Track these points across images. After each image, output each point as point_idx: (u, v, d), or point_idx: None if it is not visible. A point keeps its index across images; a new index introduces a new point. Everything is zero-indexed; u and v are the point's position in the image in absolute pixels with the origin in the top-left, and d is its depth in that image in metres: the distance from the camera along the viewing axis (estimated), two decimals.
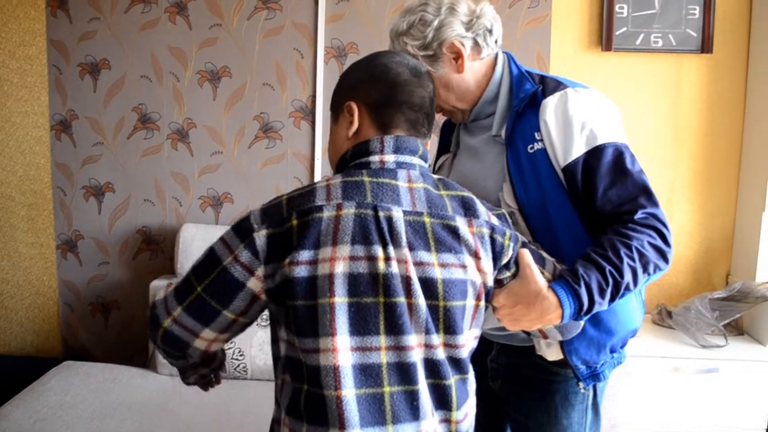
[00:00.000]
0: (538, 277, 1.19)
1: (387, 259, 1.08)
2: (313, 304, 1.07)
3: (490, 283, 1.17)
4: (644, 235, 1.24)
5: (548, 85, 1.40)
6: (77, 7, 2.78)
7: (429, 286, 1.10)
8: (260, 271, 1.12)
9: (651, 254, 1.24)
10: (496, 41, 1.45)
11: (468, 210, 1.17)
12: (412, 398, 1.09)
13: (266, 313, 1.20)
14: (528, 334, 1.36)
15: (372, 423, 1.06)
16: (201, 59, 2.80)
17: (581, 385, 1.43)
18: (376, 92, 1.19)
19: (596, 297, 1.20)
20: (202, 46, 2.79)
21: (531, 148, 1.36)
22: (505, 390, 1.56)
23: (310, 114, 2.81)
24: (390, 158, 1.17)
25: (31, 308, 2.96)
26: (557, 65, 2.71)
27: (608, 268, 1.21)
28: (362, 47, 2.74)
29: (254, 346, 2.56)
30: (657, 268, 1.26)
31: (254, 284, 1.12)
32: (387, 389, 1.08)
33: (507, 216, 1.25)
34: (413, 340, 1.09)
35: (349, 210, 1.09)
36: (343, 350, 1.06)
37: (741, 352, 2.45)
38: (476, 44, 1.42)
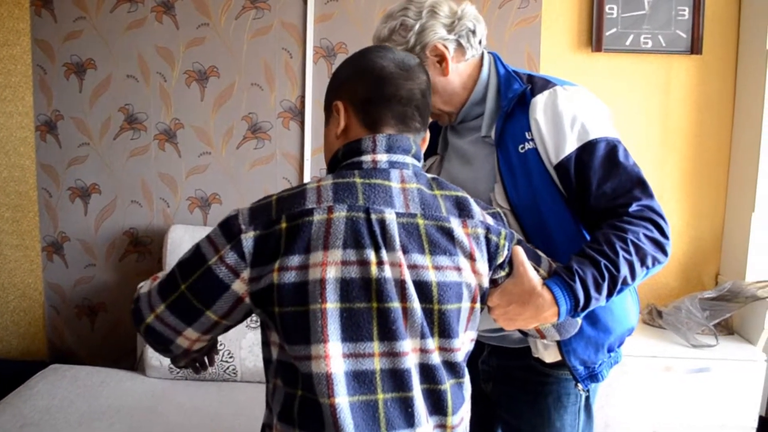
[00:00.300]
0: (531, 274, 1.17)
1: (380, 263, 1.06)
2: (304, 310, 1.04)
3: (486, 284, 1.16)
4: (640, 228, 1.22)
5: (537, 84, 1.39)
6: (62, 7, 2.75)
7: (423, 289, 1.08)
8: (246, 274, 1.09)
9: (648, 247, 1.21)
10: (480, 42, 1.43)
11: (462, 210, 1.15)
12: (407, 405, 1.07)
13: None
14: (525, 334, 1.33)
15: (366, 431, 1.04)
16: (188, 59, 2.77)
17: (579, 386, 1.42)
18: (362, 89, 1.17)
19: (592, 292, 1.18)
20: (190, 45, 2.76)
21: (522, 148, 1.35)
22: (496, 392, 1.55)
23: (299, 114, 2.79)
24: (382, 158, 1.14)
25: (17, 311, 2.92)
26: (547, 66, 2.70)
27: (603, 262, 1.18)
28: (351, 47, 2.72)
29: (244, 348, 2.54)
30: (656, 260, 1.23)
31: (239, 287, 1.09)
32: (381, 396, 1.06)
33: (502, 215, 1.23)
34: (407, 345, 1.07)
35: (341, 213, 1.07)
36: (335, 357, 1.04)
37: (731, 352, 2.46)
38: (460, 46, 1.40)
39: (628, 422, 2.44)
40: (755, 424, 2.44)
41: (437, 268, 1.09)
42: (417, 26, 1.37)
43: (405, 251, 1.08)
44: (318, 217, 1.07)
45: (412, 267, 1.08)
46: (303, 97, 2.77)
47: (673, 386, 2.42)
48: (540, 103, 1.35)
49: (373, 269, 1.05)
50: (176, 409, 2.33)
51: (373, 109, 1.16)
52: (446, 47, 1.38)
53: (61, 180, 2.84)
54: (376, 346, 1.06)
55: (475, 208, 1.17)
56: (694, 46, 2.64)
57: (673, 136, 2.74)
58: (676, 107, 2.73)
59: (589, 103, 1.37)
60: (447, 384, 1.11)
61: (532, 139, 1.34)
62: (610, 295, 1.20)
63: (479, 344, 1.54)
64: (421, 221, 1.10)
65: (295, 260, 1.05)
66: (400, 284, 1.06)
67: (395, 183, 1.12)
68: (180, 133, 2.81)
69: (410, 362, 1.07)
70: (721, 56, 2.69)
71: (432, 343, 1.09)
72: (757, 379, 2.41)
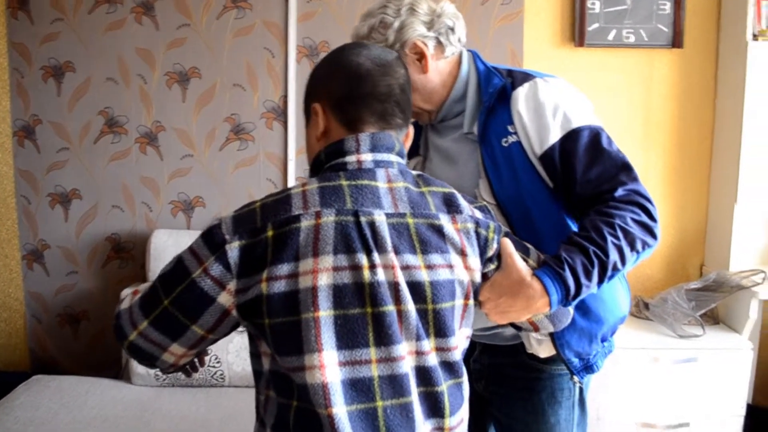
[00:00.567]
0: (520, 265, 1.15)
1: (372, 267, 1.03)
2: (296, 320, 1.01)
3: (478, 279, 1.14)
4: (627, 212, 1.21)
5: (516, 78, 1.39)
6: (39, 8, 2.69)
7: (417, 289, 1.06)
8: (232, 286, 1.05)
9: (636, 231, 1.20)
10: (459, 39, 1.43)
11: (451, 206, 1.13)
12: (407, 411, 1.04)
13: None
14: (519, 329, 1.32)
15: None
16: (169, 60, 2.73)
17: (575, 378, 1.42)
18: (339, 88, 1.14)
19: (582, 280, 1.16)
20: (170, 46, 2.73)
21: (505, 142, 1.35)
22: (489, 391, 1.54)
23: (283, 114, 2.76)
24: (367, 157, 1.11)
25: None
26: (531, 62, 2.71)
27: (592, 248, 1.17)
28: (335, 46, 2.64)
29: (231, 352, 2.51)
30: (645, 244, 1.22)
31: (225, 299, 1.05)
32: (380, 403, 1.03)
33: (489, 208, 1.22)
34: (404, 349, 1.05)
35: (329, 218, 1.04)
36: (330, 366, 1.00)
37: (718, 341, 2.49)
38: (439, 43, 1.40)
39: (618, 414, 2.46)
40: (743, 411, 2.47)
41: (429, 267, 1.07)
42: (396, 23, 1.37)
43: (397, 252, 1.05)
44: (306, 223, 1.03)
45: (405, 268, 1.05)
46: (286, 97, 2.75)
47: (662, 377, 2.44)
48: (521, 95, 1.35)
49: (366, 273, 1.03)
50: (164, 416, 2.30)
51: (351, 108, 1.14)
52: (426, 44, 1.38)
53: (41, 186, 2.78)
54: (372, 353, 1.03)
55: (463, 203, 1.15)
56: (676, 40, 2.66)
57: (655, 130, 2.76)
58: (658, 101, 2.75)
59: (570, 93, 1.38)
60: (444, 385, 1.08)
61: (515, 132, 1.34)
62: (601, 281, 1.20)
63: (470, 343, 1.52)
64: (411, 220, 1.08)
65: (284, 269, 1.02)
66: (394, 286, 1.04)
67: (382, 183, 1.10)
68: (161, 135, 2.77)
69: (407, 366, 1.05)
70: (703, 49, 2.72)
71: (428, 345, 1.07)
72: (743, 367, 2.44)
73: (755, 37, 2.51)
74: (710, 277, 2.56)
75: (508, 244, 1.16)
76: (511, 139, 1.34)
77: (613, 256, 1.18)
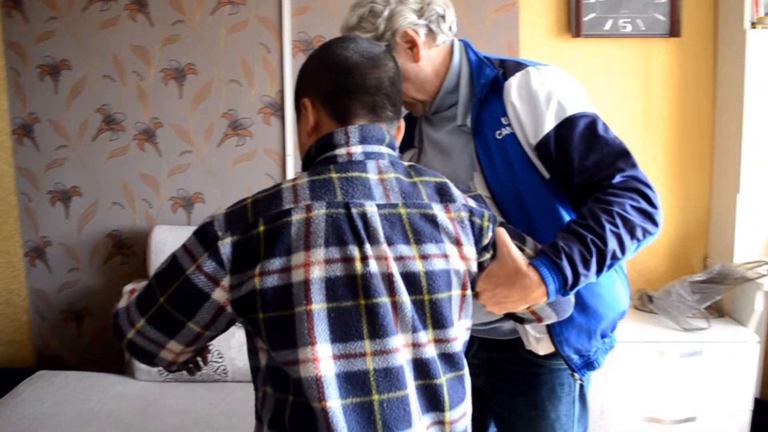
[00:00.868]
0: (516, 254, 1.14)
1: (364, 258, 1.02)
2: (290, 314, 1.01)
3: (474, 269, 1.13)
4: (626, 199, 1.18)
5: (509, 68, 1.37)
6: (33, 7, 2.69)
7: (412, 280, 1.05)
8: (226, 282, 1.05)
9: (636, 218, 1.17)
10: (450, 27, 1.41)
11: (444, 195, 1.12)
12: (404, 404, 1.03)
13: None
14: (521, 321, 1.29)
15: None
16: (165, 57, 2.73)
17: (576, 375, 1.40)
18: (327, 83, 1.14)
19: (580, 269, 1.14)
20: (166, 43, 2.72)
21: (499, 134, 1.33)
22: (488, 386, 1.54)
23: (280, 109, 2.76)
24: (357, 149, 1.11)
25: (1, 318, 2.89)
26: (527, 53, 2.69)
27: (590, 237, 1.14)
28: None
29: (234, 347, 2.52)
30: (646, 232, 1.19)
31: (219, 295, 1.06)
32: (376, 397, 1.01)
33: (483, 197, 1.21)
34: (399, 341, 1.04)
35: (320, 211, 1.04)
36: (324, 359, 1.00)
37: (723, 334, 2.45)
38: (430, 31, 1.38)
39: (622, 408, 2.45)
40: (751, 406, 2.43)
41: (424, 257, 1.06)
42: (386, 12, 1.35)
43: (390, 243, 1.05)
44: (297, 216, 1.03)
45: (399, 259, 1.05)
46: (282, 92, 2.74)
47: (667, 371, 2.42)
48: (514, 85, 1.33)
49: (358, 265, 1.02)
50: (167, 411, 2.32)
51: (340, 102, 1.13)
52: (417, 32, 1.36)
53: (41, 183, 2.80)
54: (367, 345, 1.02)
55: (456, 192, 1.14)
56: (673, 29, 2.63)
57: (655, 120, 2.74)
58: (657, 90, 2.72)
59: (564, 80, 1.35)
60: (443, 378, 1.07)
61: (509, 124, 1.32)
62: (600, 270, 1.17)
63: (469, 338, 1.53)
64: (403, 210, 1.08)
65: (276, 263, 1.02)
66: (388, 278, 1.03)
67: (373, 174, 1.09)
68: (159, 132, 2.77)
69: (402, 359, 1.04)
70: (701, 38, 2.69)
71: (424, 336, 1.06)
72: (750, 360, 2.41)
73: (753, 24, 2.47)
74: (714, 269, 2.53)
75: (503, 233, 1.15)
76: (505, 131, 1.33)
77: (612, 244, 1.15)
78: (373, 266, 1.03)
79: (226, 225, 1.06)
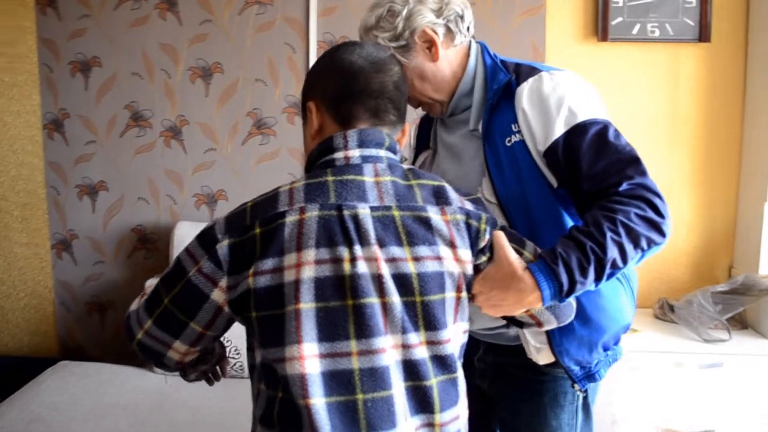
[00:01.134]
0: (512, 258, 1.13)
1: (353, 259, 1.04)
2: (280, 312, 1.04)
3: (470, 271, 1.13)
4: (631, 207, 1.15)
5: (522, 73, 1.36)
6: (66, 5, 2.76)
7: (403, 282, 1.06)
8: (223, 282, 1.09)
9: (641, 227, 1.14)
10: (468, 28, 1.41)
11: (440, 198, 1.13)
12: (388, 404, 1.04)
13: None
14: (521, 325, 1.28)
15: None
16: (192, 55, 2.77)
17: (576, 386, 1.39)
18: (332, 86, 1.17)
19: (577, 276, 1.12)
20: (193, 42, 2.76)
21: (509, 141, 1.32)
22: (493, 390, 1.53)
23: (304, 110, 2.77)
24: (355, 153, 1.13)
25: (27, 309, 2.95)
26: (553, 56, 2.66)
27: (589, 244, 1.12)
28: None
29: None
30: (651, 242, 1.16)
31: (218, 296, 1.10)
32: (360, 396, 1.03)
33: (483, 200, 1.22)
34: (386, 341, 1.05)
35: (313, 213, 1.06)
36: (309, 357, 1.02)
37: (745, 347, 2.39)
38: (449, 31, 1.38)
39: (638, 419, 2.40)
40: None
41: (416, 259, 1.07)
42: (405, 11, 1.35)
43: (382, 245, 1.06)
44: (290, 218, 1.06)
45: (391, 260, 1.06)
46: None
47: (685, 382, 2.36)
48: (525, 91, 1.32)
49: (347, 266, 1.04)
50: (182, 406, 2.34)
51: (343, 105, 1.16)
52: (435, 32, 1.36)
53: (69, 178, 2.86)
54: (353, 345, 1.04)
55: (453, 195, 1.15)
56: (703, 34, 2.58)
57: (682, 126, 2.69)
58: (685, 96, 2.68)
59: (576, 86, 1.33)
60: (434, 380, 1.08)
61: (519, 131, 1.31)
62: (598, 278, 1.14)
63: (475, 342, 1.52)
64: (396, 213, 1.09)
65: (269, 264, 1.05)
66: (378, 279, 1.05)
67: (369, 177, 1.11)
68: (185, 129, 2.81)
69: (389, 359, 1.05)
70: (731, 44, 2.63)
71: (415, 338, 1.07)
72: None
73: None
74: (738, 279, 2.47)
75: (501, 237, 1.14)
76: (515, 138, 1.32)
77: (612, 252, 1.13)
78: (362, 267, 1.04)
79: (226, 228, 1.10)
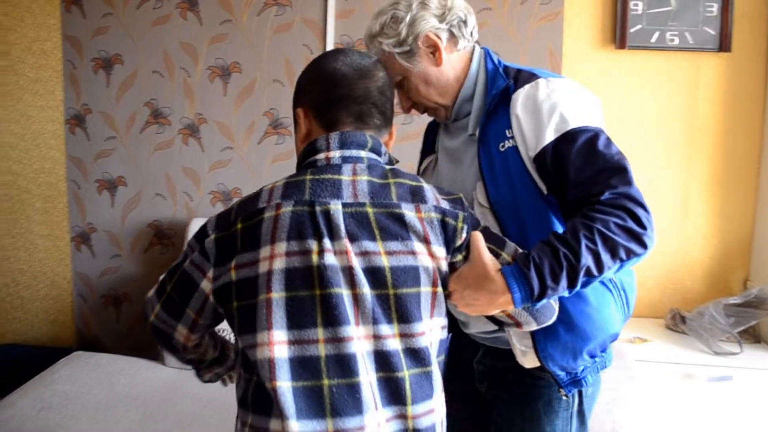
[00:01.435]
0: (486, 259, 1.15)
1: (321, 251, 1.09)
2: (254, 302, 1.10)
3: (445, 267, 1.16)
4: (611, 216, 1.14)
5: (521, 79, 1.36)
6: (91, 3, 2.82)
7: (376, 275, 1.10)
8: (210, 273, 1.17)
9: (619, 237, 1.13)
10: (471, 33, 1.42)
11: (416, 196, 1.16)
12: (354, 391, 1.07)
13: None
14: (501, 324, 1.28)
15: (310, 415, 1.06)
16: (211, 55, 2.81)
17: (562, 392, 1.39)
18: (317, 93, 1.22)
19: (548, 281, 1.12)
20: (213, 41, 2.80)
21: (502, 147, 1.33)
22: (490, 394, 1.53)
23: None
24: (335, 154, 1.18)
25: (46, 299, 3.02)
26: (570, 63, 2.65)
27: (563, 251, 1.13)
28: None
29: None
30: (631, 252, 1.15)
31: (205, 285, 1.19)
32: (326, 382, 1.08)
33: (464, 200, 1.22)
34: (356, 331, 1.09)
35: (287, 208, 1.12)
36: (278, 343, 1.08)
37: (756, 361, 2.36)
38: (452, 35, 1.40)
39: (644, 429, 2.37)
40: None
41: (390, 253, 1.11)
42: (408, 18, 1.37)
43: (354, 239, 1.11)
44: (267, 214, 1.13)
45: (363, 254, 1.10)
46: None
47: (693, 394, 2.34)
48: (521, 97, 1.32)
49: (314, 257, 1.09)
50: (191, 398, 2.37)
51: (329, 111, 1.21)
52: (439, 36, 1.38)
53: (89, 172, 2.92)
54: (320, 333, 1.09)
55: (430, 195, 1.17)
56: (723, 44, 2.55)
57: (700, 136, 2.65)
58: (703, 106, 2.64)
59: (572, 93, 1.32)
60: (406, 372, 1.10)
61: (512, 137, 1.32)
62: (572, 285, 1.14)
63: (475, 344, 1.53)
64: (370, 209, 1.13)
65: (247, 257, 1.12)
66: (348, 270, 1.09)
67: (346, 176, 1.16)
68: (203, 127, 2.85)
69: (357, 348, 1.08)
70: (752, 54, 2.59)
71: (388, 329, 1.10)
72: None
73: None
74: (752, 292, 2.44)
75: (478, 237, 1.17)
76: (508, 144, 1.33)
77: (586, 260, 1.12)
78: (330, 259, 1.09)
79: (216, 224, 1.19)
